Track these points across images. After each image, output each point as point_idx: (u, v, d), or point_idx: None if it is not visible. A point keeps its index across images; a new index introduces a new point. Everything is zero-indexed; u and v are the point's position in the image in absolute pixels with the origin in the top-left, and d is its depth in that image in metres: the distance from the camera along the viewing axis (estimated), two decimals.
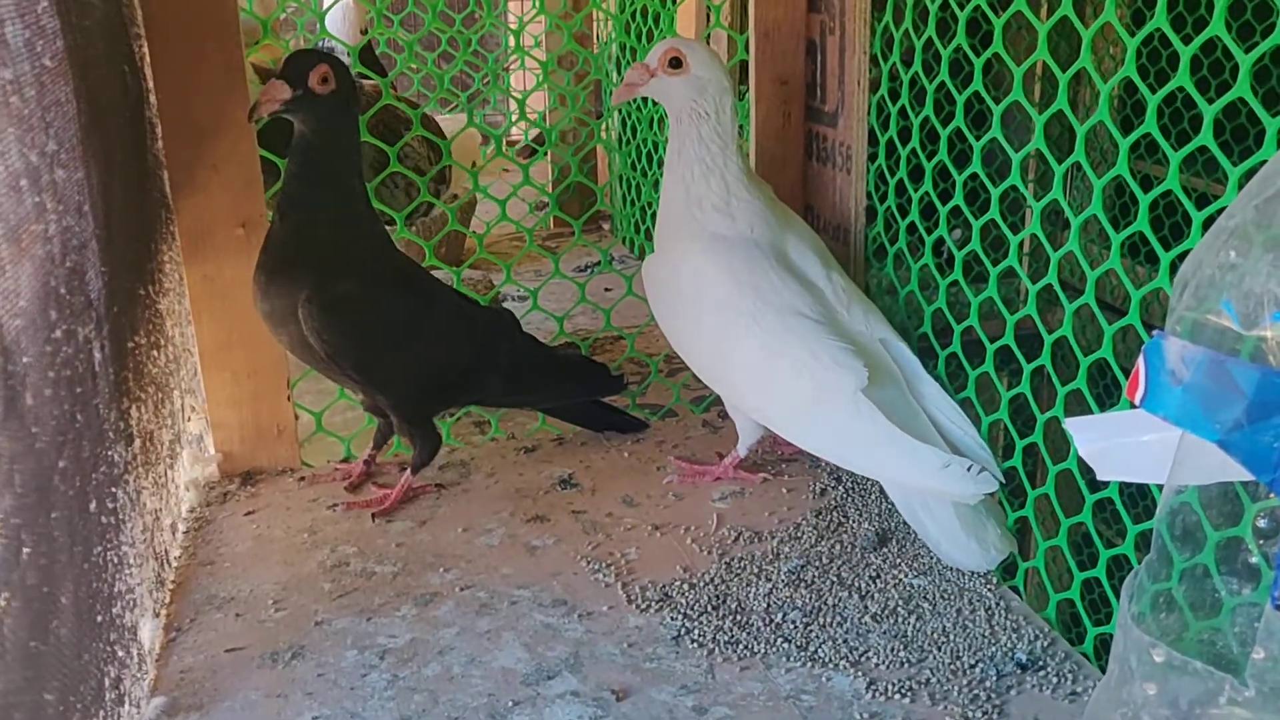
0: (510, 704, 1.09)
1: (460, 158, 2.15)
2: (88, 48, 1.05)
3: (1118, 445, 0.87)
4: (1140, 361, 0.76)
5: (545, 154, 2.96)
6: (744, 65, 1.72)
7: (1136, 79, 1.02)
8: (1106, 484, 1.15)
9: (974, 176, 1.33)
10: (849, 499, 1.46)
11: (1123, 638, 0.84)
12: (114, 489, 0.99)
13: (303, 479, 1.55)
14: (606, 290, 2.32)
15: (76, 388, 0.84)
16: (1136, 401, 0.76)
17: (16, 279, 0.66)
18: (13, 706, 0.61)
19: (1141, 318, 1.09)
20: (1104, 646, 1.14)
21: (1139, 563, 0.89)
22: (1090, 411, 1.12)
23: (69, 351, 0.82)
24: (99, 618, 0.88)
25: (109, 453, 0.98)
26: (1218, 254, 0.74)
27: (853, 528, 1.39)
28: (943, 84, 1.36)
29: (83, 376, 0.88)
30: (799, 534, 1.38)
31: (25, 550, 0.64)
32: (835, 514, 1.42)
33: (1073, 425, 0.88)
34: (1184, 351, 0.73)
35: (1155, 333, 0.75)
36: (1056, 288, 1.20)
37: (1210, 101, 0.95)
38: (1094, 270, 1.13)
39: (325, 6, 2.30)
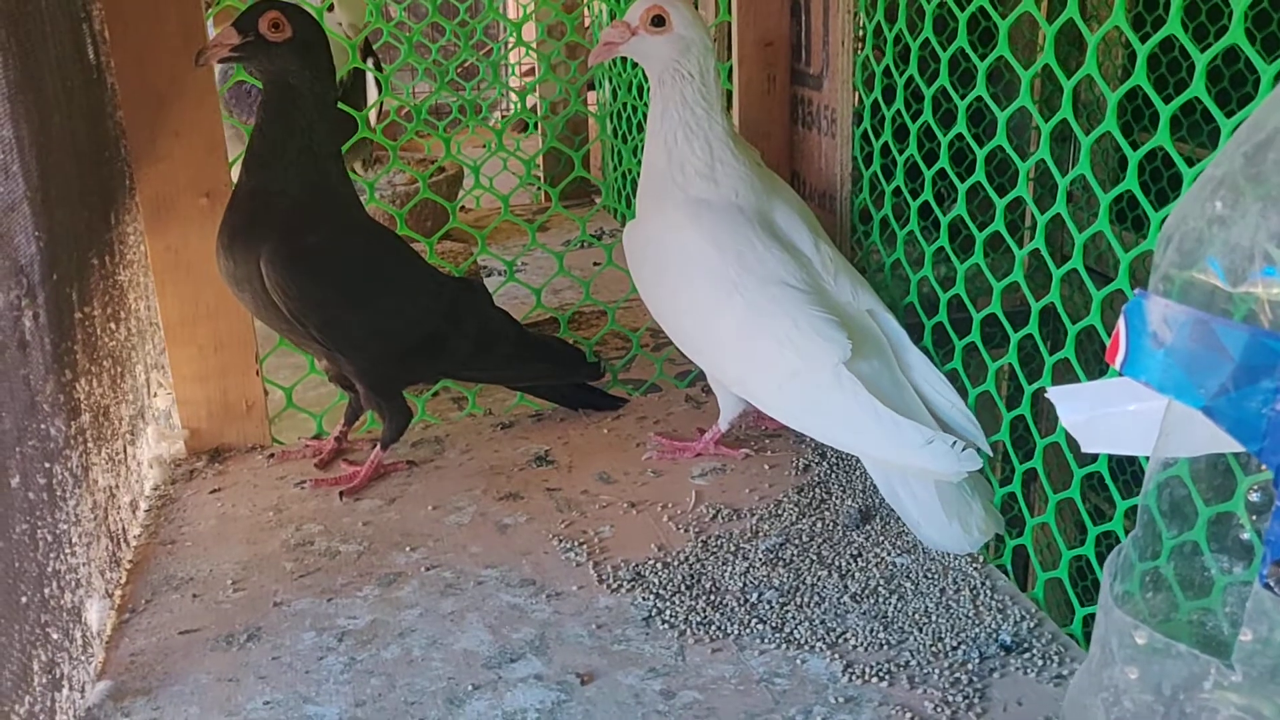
0: (470, 688, 1.04)
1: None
2: (23, 2, 1.00)
3: (1103, 415, 0.82)
4: (1121, 323, 0.71)
5: (535, 126, 2.90)
6: (726, 27, 1.66)
7: (1126, 28, 0.96)
8: (1096, 458, 1.10)
9: (959, 138, 1.27)
10: (833, 475, 1.41)
11: (1104, 619, 0.80)
12: (48, 464, 0.94)
13: (272, 456, 1.51)
14: (595, 264, 2.27)
15: None
16: (1116, 365, 0.71)
17: None
18: None
19: (1131, 283, 1.04)
20: (1093, 628, 1.09)
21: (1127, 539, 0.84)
22: (1079, 382, 1.07)
23: None
24: (23, 599, 0.83)
25: (41, 426, 0.93)
26: (1204, 206, 0.68)
27: (835, 505, 1.34)
28: (927, 41, 1.30)
29: (3, 345, 0.83)
30: (779, 511, 1.33)
31: None
32: (818, 490, 1.37)
33: (1055, 395, 0.83)
34: (1166, 312, 0.68)
35: (1137, 292, 0.70)
36: (1044, 252, 1.15)
37: (1203, 50, 0.89)
38: (1081, 233, 1.07)
39: None
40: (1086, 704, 0.80)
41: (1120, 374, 0.72)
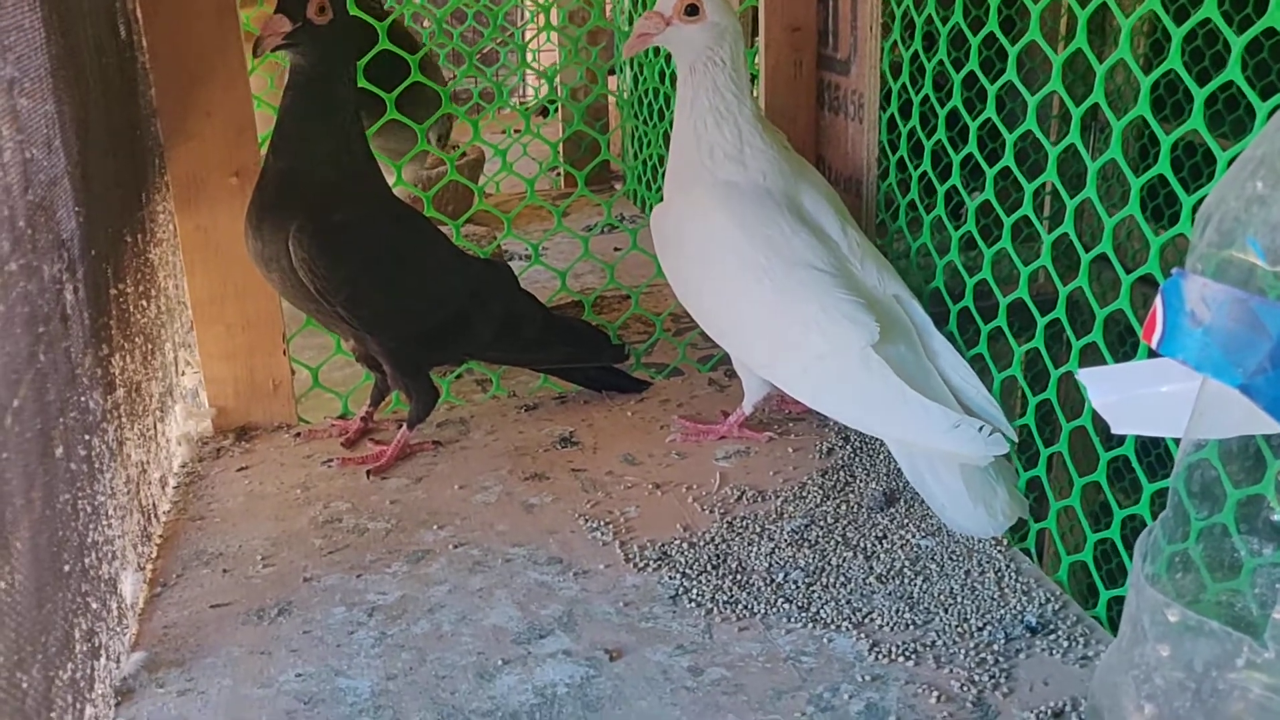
0: (500, 663, 1.05)
1: None
2: None
3: (1134, 397, 0.82)
4: (1158, 302, 0.71)
5: (556, 111, 2.91)
6: (753, 12, 1.66)
7: (1160, 11, 0.97)
8: (1122, 442, 1.10)
9: (987, 123, 1.28)
10: (857, 458, 1.41)
11: (1135, 597, 0.80)
12: (87, 436, 0.95)
13: (298, 435, 1.52)
14: (616, 250, 2.28)
15: (38, 327, 0.81)
16: (1153, 344, 0.71)
17: None
18: None
19: (1162, 268, 1.04)
20: (1117, 610, 1.10)
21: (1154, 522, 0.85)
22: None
23: (28, 287, 0.78)
24: (66, 567, 0.85)
25: (81, 399, 0.94)
26: (1243, 186, 0.69)
27: (860, 487, 1.34)
28: (956, 27, 1.30)
29: (47, 316, 0.84)
30: (804, 493, 1.33)
31: None
32: (842, 473, 1.38)
33: (1086, 376, 0.84)
34: (1205, 290, 0.68)
35: (1175, 271, 0.70)
36: (1072, 236, 1.15)
37: (1238, 34, 0.89)
38: (1111, 218, 1.07)
39: None
40: (1117, 681, 0.81)
41: (1157, 353, 0.72)
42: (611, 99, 2.81)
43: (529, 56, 3.09)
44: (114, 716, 0.98)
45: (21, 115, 0.80)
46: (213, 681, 1.04)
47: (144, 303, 1.33)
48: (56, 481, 0.83)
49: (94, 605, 0.94)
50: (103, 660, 0.96)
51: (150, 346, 1.33)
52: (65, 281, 0.92)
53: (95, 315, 1.04)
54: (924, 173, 1.43)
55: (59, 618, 0.82)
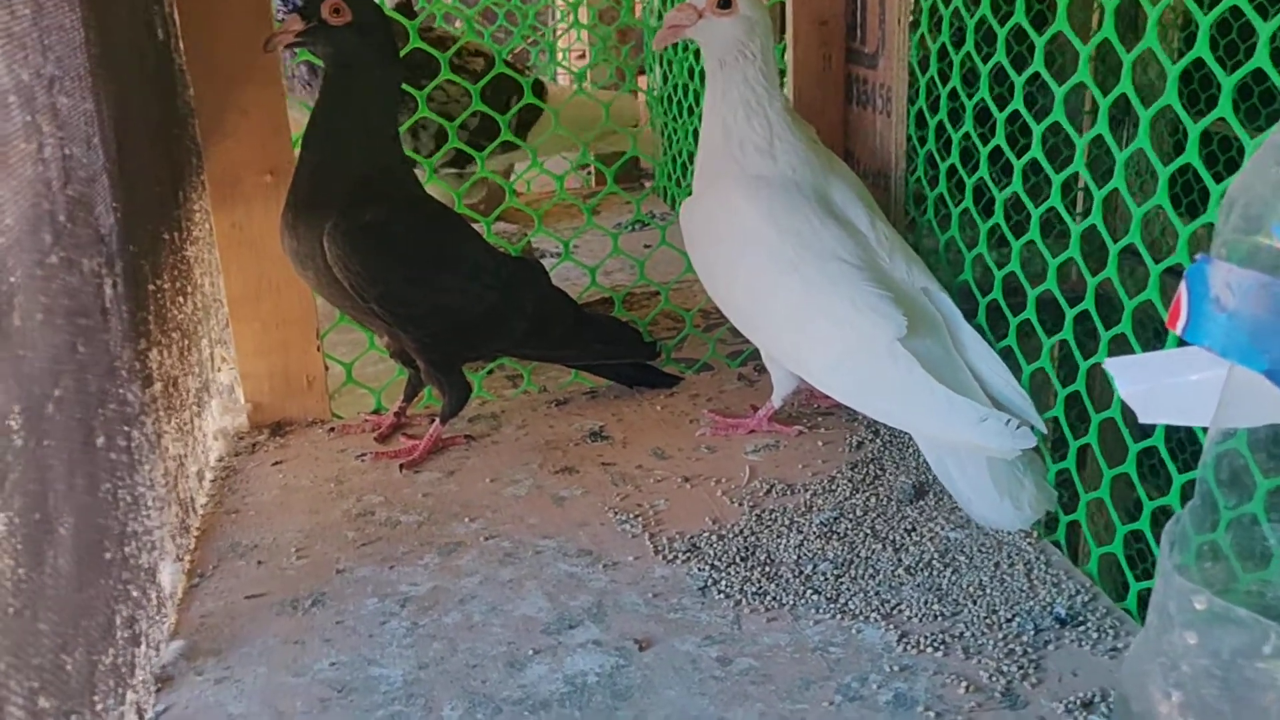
0: (530, 652, 1.06)
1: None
2: None
3: (1161, 386, 0.82)
4: (1182, 288, 0.71)
5: None
6: (781, 6, 1.67)
7: (1189, 1, 0.97)
8: (1151, 433, 1.10)
9: (1015, 115, 1.27)
10: (886, 452, 1.42)
11: (1162, 585, 0.80)
12: (127, 428, 0.97)
13: (332, 430, 1.54)
14: (646, 247, 2.29)
15: (79, 319, 0.83)
16: (1178, 330, 0.72)
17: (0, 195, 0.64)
18: None
19: (1189, 260, 1.04)
20: (1147, 602, 1.09)
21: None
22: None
23: (70, 280, 0.80)
24: (107, 554, 0.87)
25: (121, 391, 0.96)
26: (1269, 171, 0.69)
27: (889, 480, 1.35)
28: (984, 19, 1.30)
29: (88, 309, 0.86)
30: (833, 487, 1.34)
31: (11, 474, 0.62)
32: (871, 467, 1.38)
33: (1113, 366, 0.84)
34: (1230, 276, 0.68)
35: (1199, 256, 0.70)
36: (1100, 228, 1.15)
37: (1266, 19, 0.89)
38: (1139, 208, 1.07)
39: None
40: (1145, 670, 0.81)
41: (1181, 339, 0.72)
42: (641, 97, 2.82)
43: (559, 55, 3.10)
44: (154, 703, 1.00)
45: (61, 113, 0.82)
46: (249, 670, 1.05)
47: (181, 299, 1.35)
48: (98, 470, 0.85)
49: (134, 594, 0.96)
50: (143, 647, 0.98)
51: (187, 342, 1.36)
52: (104, 276, 0.94)
53: (134, 310, 1.06)
54: (952, 166, 1.43)
55: (101, 604, 0.84)
